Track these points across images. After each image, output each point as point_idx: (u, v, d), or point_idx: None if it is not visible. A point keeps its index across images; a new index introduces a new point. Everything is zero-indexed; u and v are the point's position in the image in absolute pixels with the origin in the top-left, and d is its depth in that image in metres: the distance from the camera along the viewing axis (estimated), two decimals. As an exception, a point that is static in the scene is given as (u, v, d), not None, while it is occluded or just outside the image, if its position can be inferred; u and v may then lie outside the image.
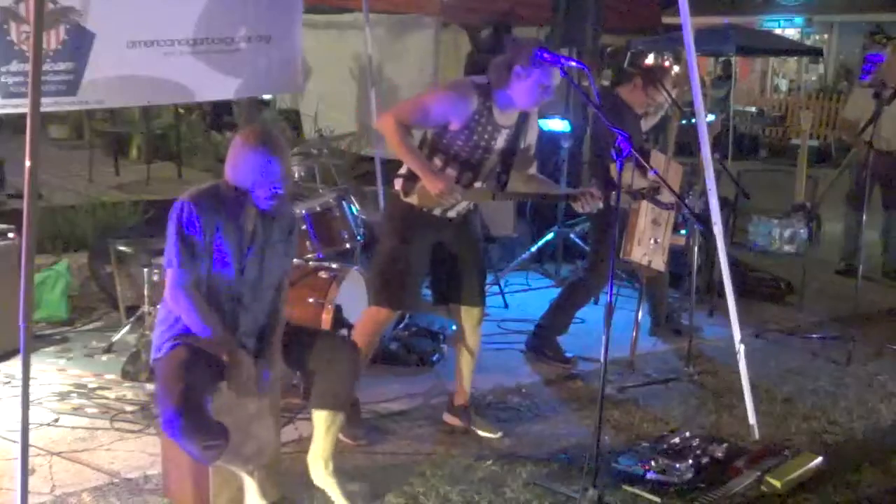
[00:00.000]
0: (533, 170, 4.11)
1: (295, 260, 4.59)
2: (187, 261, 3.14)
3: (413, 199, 3.87)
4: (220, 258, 3.20)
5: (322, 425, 3.43)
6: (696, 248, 5.29)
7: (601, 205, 3.95)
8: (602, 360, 3.43)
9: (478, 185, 3.93)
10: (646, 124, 5.31)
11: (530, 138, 4.02)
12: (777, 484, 3.68)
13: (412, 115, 3.79)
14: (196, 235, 3.13)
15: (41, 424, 4.04)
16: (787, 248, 6.39)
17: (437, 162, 3.84)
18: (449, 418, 4.23)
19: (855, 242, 7.44)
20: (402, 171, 3.91)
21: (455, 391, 4.24)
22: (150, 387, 4.30)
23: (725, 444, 3.98)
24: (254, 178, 3.14)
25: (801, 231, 6.33)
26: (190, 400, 2.98)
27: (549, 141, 7.52)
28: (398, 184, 3.91)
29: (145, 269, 4.86)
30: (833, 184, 7.33)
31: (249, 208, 3.22)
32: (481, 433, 4.14)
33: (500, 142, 3.89)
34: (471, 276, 4.09)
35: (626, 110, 5.02)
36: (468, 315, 4.13)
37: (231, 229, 3.20)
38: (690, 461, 3.77)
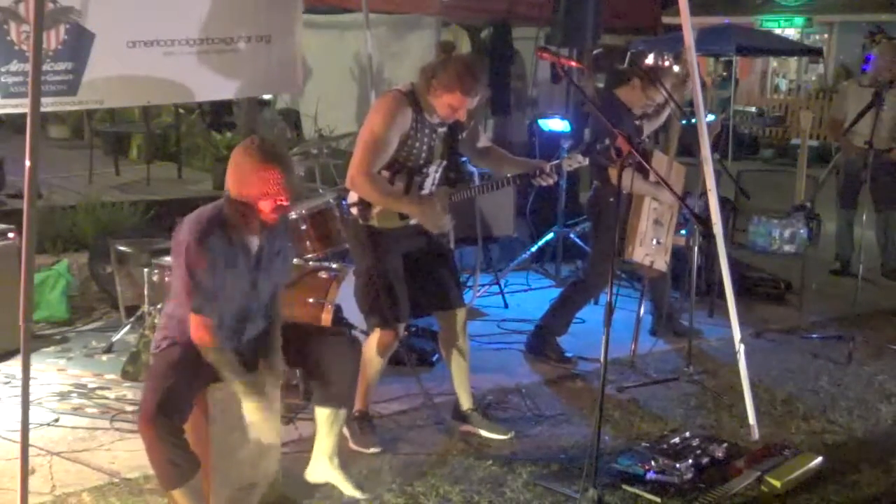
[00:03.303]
0: (483, 142, 4.12)
1: (295, 260, 4.61)
2: (207, 303, 3.13)
3: (373, 222, 3.87)
4: (233, 284, 3.20)
5: (325, 422, 3.46)
6: (696, 248, 5.29)
7: (555, 178, 3.98)
8: (602, 360, 3.43)
9: (427, 188, 3.93)
10: (649, 126, 5.30)
11: (469, 128, 4.00)
12: (777, 484, 3.68)
13: (374, 159, 3.74)
14: (208, 276, 3.11)
15: (41, 424, 4.04)
16: (787, 248, 6.38)
17: (385, 174, 3.82)
18: (461, 425, 4.20)
19: (847, 242, 7.45)
20: (353, 199, 3.90)
21: (458, 398, 4.23)
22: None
23: (725, 444, 3.98)
24: (259, 191, 3.09)
25: (801, 231, 6.33)
26: (172, 403, 3.00)
27: (549, 141, 7.53)
28: (355, 211, 3.90)
29: (145, 269, 4.86)
30: (822, 184, 7.33)
31: (254, 226, 3.19)
32: (490, 435, 4.14)
33: (438, 140, 3.88)
34: (445, 280, 4.07)
35: (625, 111, 5.02)
36: (454, 318, 4.11)
37: (240, 255, 3.20)
38: (690, 461, 3.77)
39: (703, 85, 4.44)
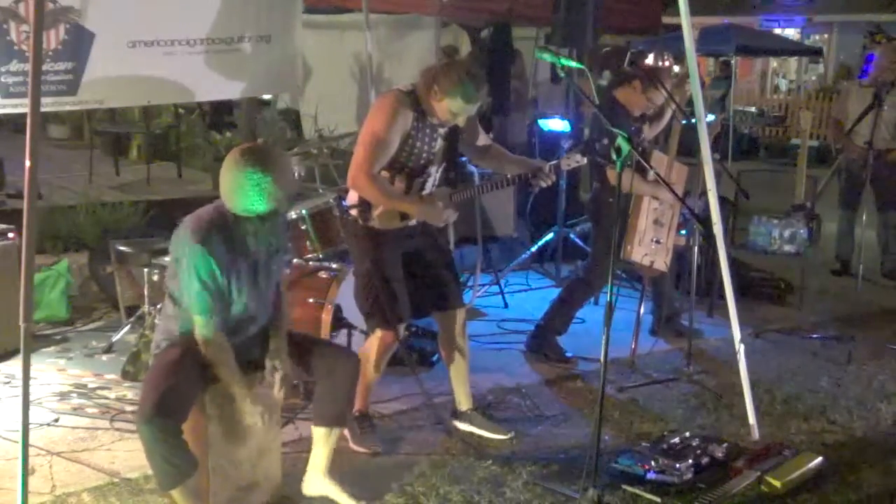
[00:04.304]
0: (482, 141, 4.11)
1: (295, 260, 4.61)
2: (216, 307, 3.14)
3: (374, 223, 3.87)
4: (236, 286, 3.21)
5: (320, 439, 3.48)
6: (696, 248, 5.29)
7: (554, 178, 3.98)
8: (602, 360, 3.43)
9: (428, 188, 3.93)
10: (652, 130, 5.30)
11: (468, 128, 3.99)
12: (777, 484, 3.68)
13: (375, 159, 3.73)
14: (217, 274, 3.12)
15: (41, 424, 4.04)
16: (787, 248, 6.39)
17: (385, 174, 3.82)
18: (461, 425, 4.21)
19: (848, 243, 7.46)
20: (353, 201, 3.89)
21: (457, 398, 4.24)
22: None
23: (725, 444, 3.98)
24: (262, 199, 3.06)
25: (801, 231, 6.34)
26: (170, 403, 3.01)
27: (549, 141, 7.53)
28: (354, 212, 3.89)
29: (145, 269, 4.86)
30: (825, 186, 7.35)
31: (249, 227, 3.18)
32: (490, 435, 4.14)
33: (439, 142, 3.88)
34: (445, 280, 4.07)
35: (623, 113, 5.01)
36: (453, 319, 4.11)
37: (240, 256, 3.20)
38: (690, 461, 3.76)
39: (702, 84, 4.44)
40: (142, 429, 2.99)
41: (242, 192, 3.06)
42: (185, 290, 3.16)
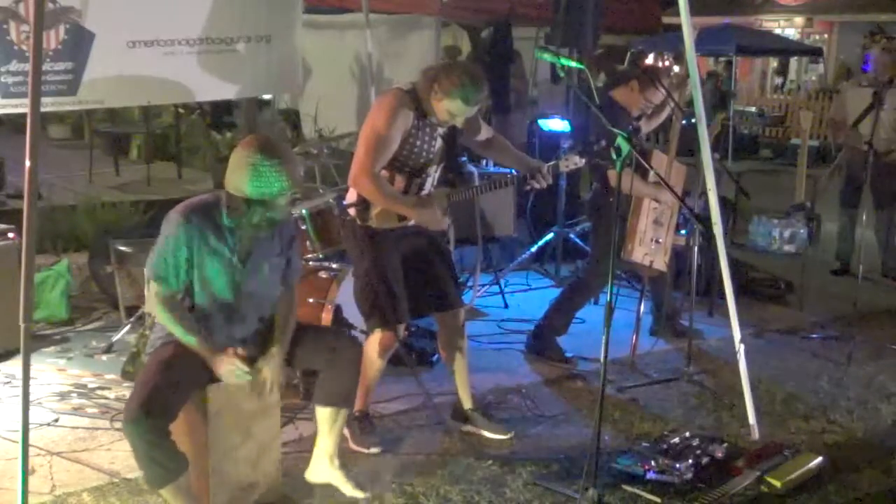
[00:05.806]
0: (484, 135, 4.11)
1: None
2: (168, 275, 3.18)
3: (372, 223, 3.87)
4: (212, 273, 3.21)
5: (326, 422, 3.47)
6: (696, 248, 5.29)
7: (550, 180, 3.99)
8: (602, 360, 3.43)
9: (427, 188, 3.93)
10: (648, 125, 5.30)
11: (469, 124, 3.98)
12: (777, 484, 3.68)
13: (377, 157, 3.73)
14: (182, 252, 3.15)
15: (41, 424, 4.04)
16: (787, 248, 6.40)
17: (384, 173, 3.82)
18: (461, 425, 4.21)
19: (848, 242, 7.46)
20: (352, 199, 3.89)
21: (458, 398, 4.24)
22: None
23: (725, 444, 3.98)
24: (276, 187, 3.10)
25: (801, 231, 6.34)
26: (158, 402, 3.00)
27: (549, 141, 7.53)
28: (353, 212, 3.90)
29: (145, 269, 4.85)
30: (824, 184, 7.35)
31: (247, 222, 3.19)
32: (490, 435, 4.14)
33: (439, 142, 3.88)
34: (444, 280, 4.07)
35: (621, 112, 5.01)
36: (452, 318, 4.11)
37: (224, 245, 3.21)
38: (690, 461, 3.76)
39: (703, 83, 4.45)
40: (127, 428, 2.99)
41: (246, 173, 3.09)
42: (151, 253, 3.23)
